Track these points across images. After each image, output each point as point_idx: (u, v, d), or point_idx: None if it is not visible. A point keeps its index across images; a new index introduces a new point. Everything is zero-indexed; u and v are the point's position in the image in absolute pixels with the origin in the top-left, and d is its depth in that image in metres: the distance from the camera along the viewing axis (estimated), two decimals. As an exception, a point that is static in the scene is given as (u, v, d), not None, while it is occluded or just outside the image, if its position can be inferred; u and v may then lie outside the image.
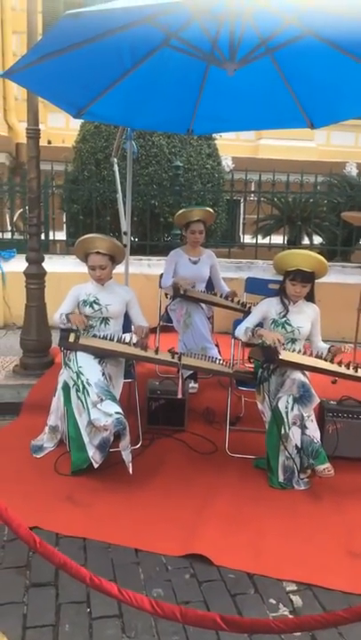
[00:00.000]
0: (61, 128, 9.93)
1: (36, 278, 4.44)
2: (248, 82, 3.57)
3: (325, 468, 3.08)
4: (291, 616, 2.19)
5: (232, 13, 2.83)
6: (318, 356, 3.32)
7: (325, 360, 3.29)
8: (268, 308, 3.43)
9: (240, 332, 3.41)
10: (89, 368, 3.23)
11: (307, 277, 3.29)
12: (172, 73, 3.68)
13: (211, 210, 4.55)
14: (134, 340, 3.42)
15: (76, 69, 3.23)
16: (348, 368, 3.27)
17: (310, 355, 3.34)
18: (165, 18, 2.98)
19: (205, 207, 4.76)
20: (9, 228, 6.83)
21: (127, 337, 3.46)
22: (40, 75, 3.13)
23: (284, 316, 3.38)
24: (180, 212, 4.50)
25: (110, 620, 2.13)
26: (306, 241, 7.41)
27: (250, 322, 3.43)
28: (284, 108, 3.91)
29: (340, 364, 3.28)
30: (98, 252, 3.41)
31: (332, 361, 3.29)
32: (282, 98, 3.81)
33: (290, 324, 3.36)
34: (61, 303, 3.52)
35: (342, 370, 3.27)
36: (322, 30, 3.08)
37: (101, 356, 3.35)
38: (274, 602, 2.27)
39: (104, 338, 3.38)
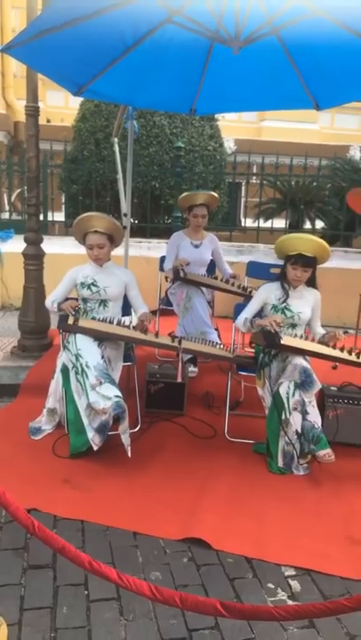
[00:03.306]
0: (61, 106, 9.81)
1: (34, 259, 4.40)
2: (253, 61, 3.49)
3: (326, 453, 3.07)
4: (289, 601, 2.19)
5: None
6: (318, 342, 3.29)
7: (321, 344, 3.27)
8: (268, 293, 3.39)
9: (240, 322, 3.39)
10: (88, 351, 3.20)
11: (308, 262, 3.24)
12: (175, 51, 3.59)
13: (215, 194, 4.49)
14: (134, 322, 3.39)
15: (77, 46, 3.15)
16: (351, 354, 3.25)
17: (312, 340, 3.31)
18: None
19: (210, 191, 4.69)
20: (7, 208, 6.75)
21: (127, 320, 3.43)
22: (39, 51, 3.06)
23: (284, 301, 3.34)
24: (184, 194, 4.44)
25: (108, 602, 2.12)
26: (308, 225, 7.35)
27: (249, 311, 3.40)
28: (290, 88, 3.83)
29: (341, 349, 3.25)
30: (96, 231, 3.35)
31: (327, 346, 3.26)
32: (287, 78, 3.73)
33: (290, 310, 3.33)
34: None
35: (344, 355, 3.24)
36: (330, 9, 3.00)
37: (101, 338, 3.32)
38: (272, 586, 2.27)
39: (103, 320, 3.34)
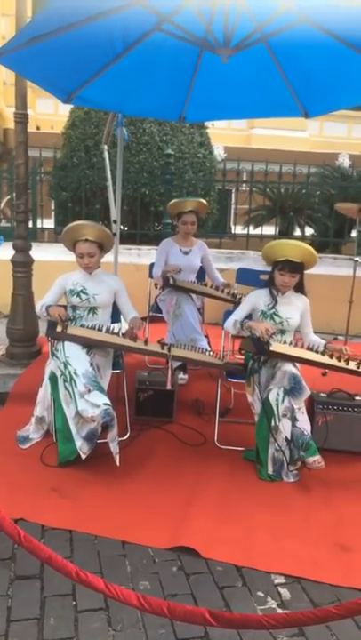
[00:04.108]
0: (50, 114, 9.81)
1: (23, 266, 4.38)
2: (242, 69, 3.51)
3: (316, 459, 3.07)
4: (279, 609, 2.17)
5: (226, -1, 2.78)
6: (310, 349, 3.30)
7: (319, 354, 3.26)
8: (257, 299, 3.40)
9: (229, 325, 3.38)
10: (77, 358, 3.18)
11: (295, 268, 3.25)
12: (164, 58, 3.60)
13: (204, 201, 4.50)
14: (123, 330, 3.38)
15: (66, 53, 3.15)
16: (340, 360, 3.25)
17: (301, 346, 3.32)
18: (157, 1, 2.91)
19: (199, 198, 4.71)
20: (-4, 215, 6.73)
21: (116, 327, 3.41)
22: (29, 58, 3.06)
23: (273, 307, 3.34)
24: (173, 201, 4.45)
25: (96, 613, 2.10)
26: (298, 232, 7.39)
27: (238, 314, 3.40)
28: (279, 96, 3.85)
29: (331, 356, 3.26)
30: (86, 240, 3.34)
31: (323, 354, 3.26)
32: (276, 86, 3.75)
33: (278, 316, 3.33)
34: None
35: (333, 362, 3.25)
36: (318, 17, 3.03)
37: (89, 346, 3.30)
38: (262, 595, 2.26)
39: (92, 328, 3.33)
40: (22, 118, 4.15)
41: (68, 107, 6.85)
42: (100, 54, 3.44)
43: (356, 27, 2.85)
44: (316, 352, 3.27)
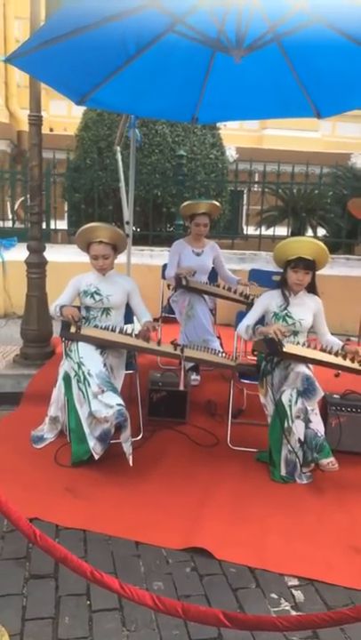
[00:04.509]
0: (63, 116, 9.86)
1: (37, 267, 4.40)
2: (255, 69, 3.51)
3: (330, 461, 3.05)
4: (293, 611, 2.17)
5: (240, -1, 2.77)
6: (323, 349, 3.27)
7: (335, 355, 3.24)
8: (270, 300, 3.38)
9: (241, 330, 3.37)
10: (90, 359, 3.19)
11: (309, 265, 3.23)
12: (177, 60, 3.61)
13: (217, 203, 4.50)
14: (136, 331, 3.39)
15: (79, 55, 3.17)
16: (353, 361, 3.23)
17: (314, 347, 3.30)
18: (171, 2, 2.92)
19: (212, 200, 4.71)
20: (10, 216, 6.78)
21: (129, 328, 3.42)
22: (42, 60, 3.08)
23: (285, 308, 3.33)
24: (186, 203, 4.45)
25: (110, 613, 2.11)
26: (310, 233, 7.36)
27: (251, 318, 3.39)
28: (291, 96, 3.84)
29: (344, 357, 3.24)
30: (101, 242, 3.36)
31: (337, 355, 3.24)
32: (289, 86, 3.74)
33: (291, 317, 3.32)
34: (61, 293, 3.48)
35: (347, 363, 3.23)
36: (331, 17, 3.02)
37: (103, 346, 3.31)
38: (276, 597, 2.25)
39: (105, 328, 3.34)
40: (36, 120, 4.18)
41: (81, 109, 6.89)
42: (114, 56, 3.45)
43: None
44: (330, 353, 3.25)
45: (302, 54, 3.48)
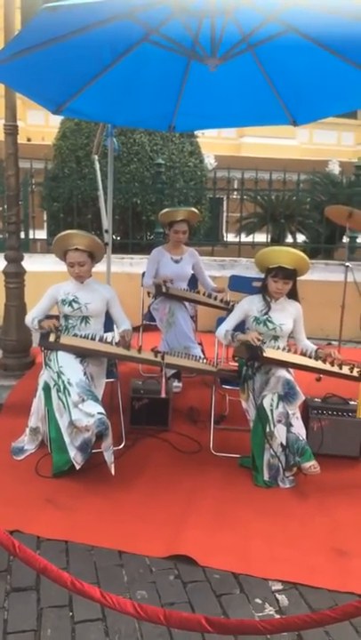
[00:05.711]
0: (41, 125, 9.84)
1: (15, 277, 4.38)
2: (230, 78, 3.55)
3: (311, 465, 3.07)
4: (277, 616, 2.16)
5: (213, 10, 2.81)
6: (303, 354, 3.30)
7: (314, 359, 3.27)
8: (250, 305, 3.41)
9: (220, 334, 3.39)
10: (70, 368, 3.17)
11: (288, 274, 3.27)
12: (152, 69, 3.64)
13: (195, 210, 4.52)
14: (117, 339, 3.38)
15: (55, 65, 3.17)
16: (333, 365, 3.26)
17: (295, 352, 3.32)
18: (145, 13, 2.94)
19: (190, 207, 4.73)
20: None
21: (109, 336, 3.41)
22: (17, 70, 3.07)
23: (266, 313, 3.36)
24: (165, 210, 4.47)
25: (93, 623, 2.08)
26: (289, 239, 7.42)
27: (230, 323, 3.41)
28: (266, 104, 3.89)
29: (324, 361, 3.26)
30: (77, 249, 3.35)
31: (317, 359, 3.27)
32: (264, 94, 3.79)
33: (272, 322, 3.34)
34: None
35: (327, 367, 3.26)
36: (303, 26, 3.07)
37: (83, 355, 3.30)
38: (260, 601, 2.25)
39: (85, 337, 3.33)
40: (12, 130, 4.17)
41: (59, 118, 6.88)
42: (89, 66, 3.46)
43: (342, 34, 2.88)
44: (309, 357, 3.28)
45: (277, 63, 3.53)
